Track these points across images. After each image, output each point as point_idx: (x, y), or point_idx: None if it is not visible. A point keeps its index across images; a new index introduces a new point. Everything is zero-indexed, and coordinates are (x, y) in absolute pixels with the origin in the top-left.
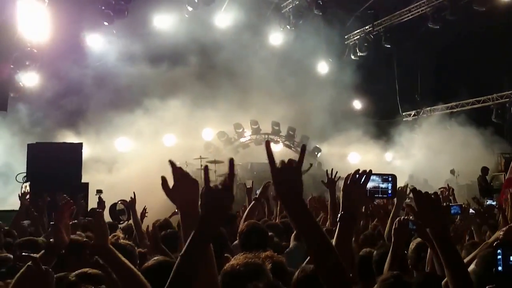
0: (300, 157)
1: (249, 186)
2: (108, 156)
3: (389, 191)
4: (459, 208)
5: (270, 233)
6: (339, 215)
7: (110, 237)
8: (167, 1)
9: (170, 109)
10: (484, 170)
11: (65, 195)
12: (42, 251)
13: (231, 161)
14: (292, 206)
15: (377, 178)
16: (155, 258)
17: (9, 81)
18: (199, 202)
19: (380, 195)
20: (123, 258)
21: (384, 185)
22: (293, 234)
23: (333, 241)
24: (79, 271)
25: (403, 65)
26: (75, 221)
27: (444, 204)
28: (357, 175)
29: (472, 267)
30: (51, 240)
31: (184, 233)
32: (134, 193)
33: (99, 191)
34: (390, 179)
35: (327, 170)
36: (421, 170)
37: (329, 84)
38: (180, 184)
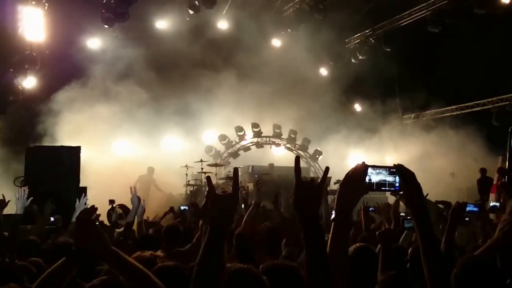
0: (323, 177)
1: (244, 191)
2: (106, 159)
3: (397, 184)
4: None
5: None
6: (332, 217)
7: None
8: (168, 4)
9: (171, 111)
10: (483, 171)
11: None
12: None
13: (235, 171)
14: (307, 223)
15: (383, 171)
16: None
17: (8, 84)
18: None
19: (387, 188)
20: (131, 259)
21: (391, 178)
22: (283, 241)
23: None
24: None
25: (403, 68)
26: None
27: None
28: (355, 170)
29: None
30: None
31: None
32: (134, 187)
33: (111, 201)
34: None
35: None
36: (421, 175)
37: (329, 87)
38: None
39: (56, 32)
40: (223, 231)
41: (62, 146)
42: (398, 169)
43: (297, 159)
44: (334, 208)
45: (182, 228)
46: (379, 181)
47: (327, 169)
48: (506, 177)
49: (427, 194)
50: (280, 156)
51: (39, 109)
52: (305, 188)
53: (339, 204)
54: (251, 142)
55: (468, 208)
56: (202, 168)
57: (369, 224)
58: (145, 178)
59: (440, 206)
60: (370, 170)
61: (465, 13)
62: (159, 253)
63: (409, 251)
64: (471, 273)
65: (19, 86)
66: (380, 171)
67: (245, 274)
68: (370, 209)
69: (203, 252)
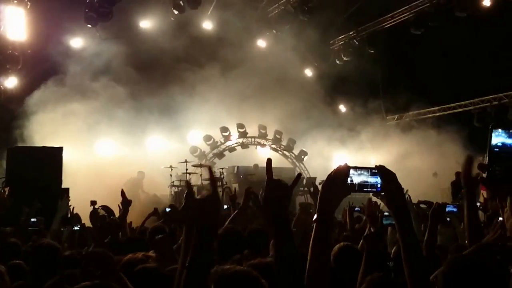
0: (294, 181)
1: (232, 194)
2: (88, 160)
3: (378, 186)
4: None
5: None
6: (314, 217)
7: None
8: (153, 4)
9: (155, 112)
10: (458, 174)
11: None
12: None
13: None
14: (275, 223)
15: (365, 172)
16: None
17: None
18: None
19: (369, 189)
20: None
21: (372, 180)
22: (271, 242)
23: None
24: None
25: (387, 70)
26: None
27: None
28: (337, 171)
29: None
30: None
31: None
32: (122, 190)
33: (93, 202)
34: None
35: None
36: (403, 175)
37: (315, 87)
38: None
39: (38, 31)
40: (212, 236)
41: (44, 147)
42: (379, 170)
43: (269, 161)
44: (316, 209)
45: (167, 229)
46: (361, 182)
47: (299, 175)
48: (486, 172)
49: (407, 191)
50: (266, 156)
51: (19, 110)
52: (274, 188)
53: (321, 205)
54: (236, 143)
55: (447, 209)
56: (186, 169)
57: (353, 224)
58: (133, 182)
59: (423, 206)
60: (352, 171)
61: (447, 15)
62: (150, 253)
63: (393, 250)
64: (460, 273)
65: (1, 86)
66: (362, 172)
67: (244, 277)
68: (356, 209)
69: (193, 256)
